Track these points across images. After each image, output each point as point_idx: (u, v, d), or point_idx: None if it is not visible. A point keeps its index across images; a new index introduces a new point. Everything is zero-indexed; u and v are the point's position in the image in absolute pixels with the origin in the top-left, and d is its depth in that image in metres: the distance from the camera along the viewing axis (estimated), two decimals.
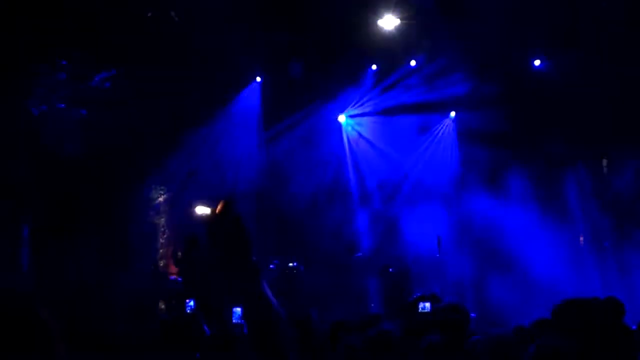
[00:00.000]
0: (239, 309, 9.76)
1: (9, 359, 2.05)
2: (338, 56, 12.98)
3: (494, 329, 7.98)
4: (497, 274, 12.28)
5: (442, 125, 14.30)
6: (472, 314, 10.72)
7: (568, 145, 13.01)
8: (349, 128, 14.37)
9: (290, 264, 12.35)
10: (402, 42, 12.92)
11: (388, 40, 12.71)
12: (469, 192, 13.34)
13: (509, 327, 8.75)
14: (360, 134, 14.34)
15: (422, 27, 12.66)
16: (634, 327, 5.68)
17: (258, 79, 13.82)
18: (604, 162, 13.71)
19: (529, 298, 11.79)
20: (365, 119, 14.35)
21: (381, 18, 12.63)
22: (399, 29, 12.64)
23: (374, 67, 13.97)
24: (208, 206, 11.05)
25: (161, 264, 12.39)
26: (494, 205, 12.96)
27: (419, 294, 10.42)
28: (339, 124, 14.33)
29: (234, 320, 9.68)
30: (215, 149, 13.26)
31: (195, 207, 11.72)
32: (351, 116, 14.33)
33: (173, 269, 12.17)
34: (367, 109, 14.26)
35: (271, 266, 12.34)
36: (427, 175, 13.98)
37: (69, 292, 9.88)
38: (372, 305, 12.06)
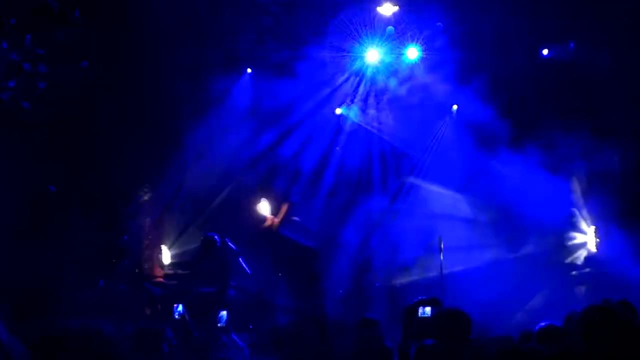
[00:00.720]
0: (224, 313, 9.31)
1: None
2: (334, 44, 12.48)
3: (496, 334, 7.54)
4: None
5: (443, 121, 13.74)
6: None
7: (575, 139, 12.51)
8: (348, 120, 13.81)
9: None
10: (401, 30, 12.48)
11: (386, 27, 12.28)
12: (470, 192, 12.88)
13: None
14: (359, 126, 13.81)
15: (423, 15, 12.19)
16: None
17: (249, 70, 13.23)
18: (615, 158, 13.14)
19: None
20: (365, 111, 13.84)
21: (380, 5, 12.18)
22: (397, 16, 12.21)
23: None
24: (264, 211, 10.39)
25: (145, 267, 11.85)
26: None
27: (419, 298, 9.89)
28: (337, 117, 13.78)
29: (219, 324, 9.26)
30: (206, 144, 12.74)
31: (258, 204, 11.02)
32: (349, 108, 13.80)
33: (158, 272, 11.68)
34: (366, 100, 13.74)
35: None
36: (432, 172, 13.54)
37: (44, 294, 9.40)
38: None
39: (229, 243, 10.64)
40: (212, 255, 10.59)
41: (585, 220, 12.52)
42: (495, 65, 12.41)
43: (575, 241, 12.54)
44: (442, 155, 13.45)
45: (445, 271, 11.43)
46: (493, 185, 12.58)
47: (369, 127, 13.68)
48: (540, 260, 12.15)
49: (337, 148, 13.24)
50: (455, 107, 13.51)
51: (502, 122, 12.65)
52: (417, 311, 8.73)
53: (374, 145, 13.70)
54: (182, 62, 11.37)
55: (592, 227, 12.45)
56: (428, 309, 8.35)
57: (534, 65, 12.77)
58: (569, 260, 12.40)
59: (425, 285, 11.57)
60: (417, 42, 12.80)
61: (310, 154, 13.08)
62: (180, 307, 9.52)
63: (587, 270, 12.07)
